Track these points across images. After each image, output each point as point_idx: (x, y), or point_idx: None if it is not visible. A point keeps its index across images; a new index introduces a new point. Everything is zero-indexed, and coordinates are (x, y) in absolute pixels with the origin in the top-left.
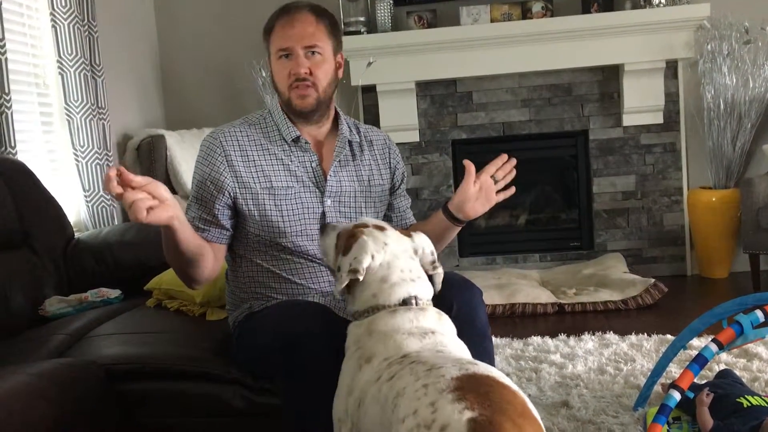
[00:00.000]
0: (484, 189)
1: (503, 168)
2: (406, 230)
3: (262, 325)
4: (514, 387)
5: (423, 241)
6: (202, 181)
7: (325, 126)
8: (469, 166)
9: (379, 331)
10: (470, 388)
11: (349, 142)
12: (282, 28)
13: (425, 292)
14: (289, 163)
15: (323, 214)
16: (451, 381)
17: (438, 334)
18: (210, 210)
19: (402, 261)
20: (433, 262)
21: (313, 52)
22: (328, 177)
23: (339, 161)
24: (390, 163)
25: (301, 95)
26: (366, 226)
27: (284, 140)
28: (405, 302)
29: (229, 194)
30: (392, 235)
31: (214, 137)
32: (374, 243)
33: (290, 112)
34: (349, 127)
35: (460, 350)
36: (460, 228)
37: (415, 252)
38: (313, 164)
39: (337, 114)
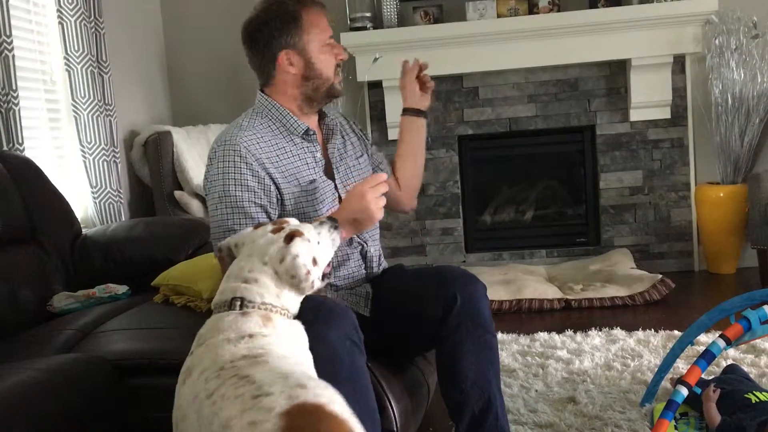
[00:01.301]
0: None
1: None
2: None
3: None
4: (342, 415)
5: (296, 248)
6: (250, 193)
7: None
8: (405, 64)
9: (203, 337)
10: (297, 426)
11: (333, 127)
12: (319, 17)
13: (255, 295)
14: (305, 156)
15: (340, 198)
16: (279, 419)
17: (258, 338)
18: (266, 213)
19: (249, 261)
20: (294, 276)
21: None
22: (333, 162)
23: (336, 147)
24: (357, 134)
25: (340, 80)
26: (283, 222)
27: (291, 135)
28: (231, 303)
29: (277, 199)
30: (269, 236)
31: (237, 144)
32: (248, 236)
33: (314, 97)
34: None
35: (288, 355)
36: (425, 121)
37: (281, 261)
38: (317, 154)
39: None
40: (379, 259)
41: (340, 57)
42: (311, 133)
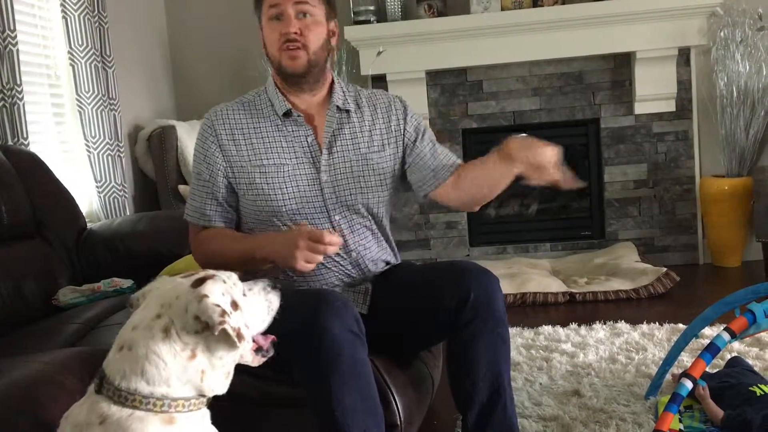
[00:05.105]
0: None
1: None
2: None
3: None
4: None
5: (205, 289)
6: (199, 165)
7: (319, 94)
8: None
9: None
10: None
11: (346, 111)
12: None
13: (115, 373)
14: (282, 139)
15: (321, 189)
16: None
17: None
18: (212, 194)
19: (139, 314)
20: (202, 320)
21: (304, 14)
22: (323, 150)
23: (333, 133)
24: (394, 124)
25: (291, 56)
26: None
27: (277, 115)
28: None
29: (224, 175)
30: (176, 281)
31: (207, 118)
32: (154, 283)
33: (281, 77)
34: (343, 94)
35: None
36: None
37: (185, 310)
38: (309, 138)
39: (332, 82)
40: (376, 261)
41: (282, 32)
42: (295, 114)
